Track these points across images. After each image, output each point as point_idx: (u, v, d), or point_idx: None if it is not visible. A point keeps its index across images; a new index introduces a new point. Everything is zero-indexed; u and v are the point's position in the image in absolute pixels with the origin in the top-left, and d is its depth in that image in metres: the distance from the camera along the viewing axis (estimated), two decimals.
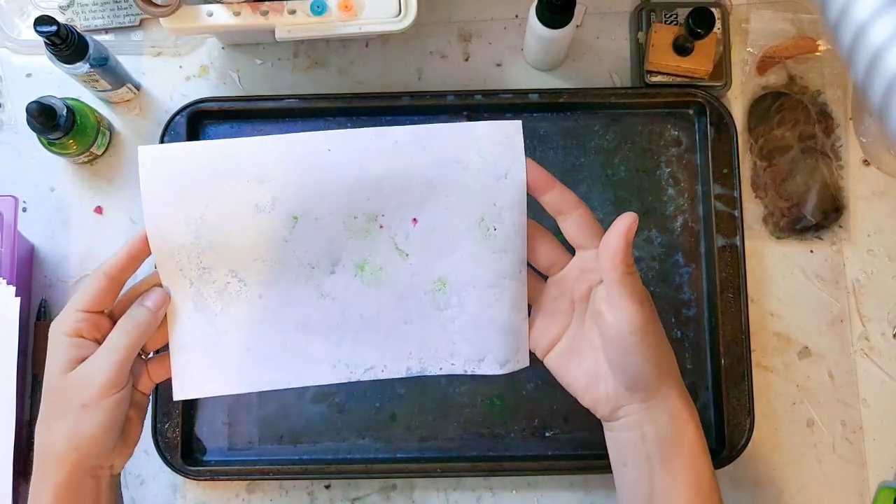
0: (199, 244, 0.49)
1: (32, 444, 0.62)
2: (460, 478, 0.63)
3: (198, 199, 0.48)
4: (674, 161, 0.66)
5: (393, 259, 0.50)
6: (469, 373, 0.51)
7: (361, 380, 0.51)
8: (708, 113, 0.64)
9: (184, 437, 0.62)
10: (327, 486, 0.64)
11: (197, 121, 0.65)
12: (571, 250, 0.50)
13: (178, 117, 0.64)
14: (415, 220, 0.50)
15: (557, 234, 0.50)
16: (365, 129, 0.48)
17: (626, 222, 0.46)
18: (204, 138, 0.66)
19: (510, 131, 0.48)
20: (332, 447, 0.63)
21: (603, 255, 0.46)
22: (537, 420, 0.63)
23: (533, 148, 0.65)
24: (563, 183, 0.49)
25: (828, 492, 0.63)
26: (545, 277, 0.51)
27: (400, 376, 0.51)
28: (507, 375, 0.51)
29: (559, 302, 0.50)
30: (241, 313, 0.50)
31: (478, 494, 0.64)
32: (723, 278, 0.63)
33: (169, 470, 0.62)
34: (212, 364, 0.50)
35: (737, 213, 0.63)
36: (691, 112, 0.66)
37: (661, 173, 0.66)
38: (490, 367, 0.51)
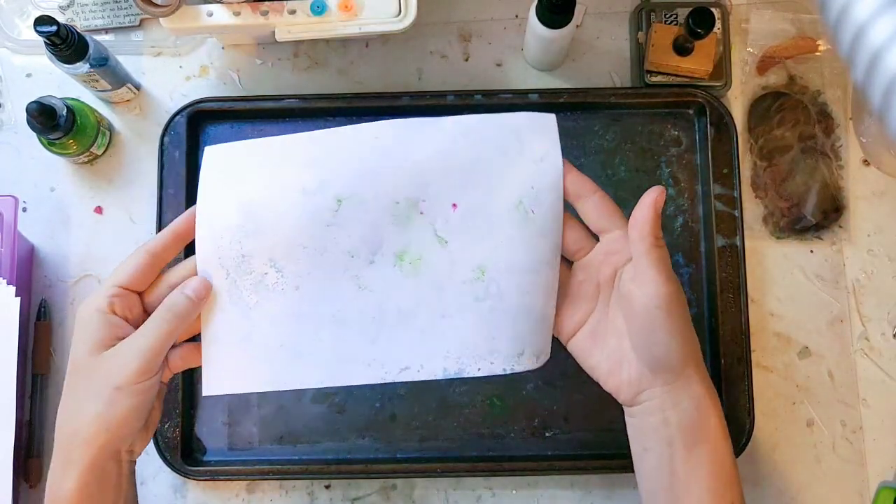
0: (245, 227, 0.49)
1: (33, 444, 0.63)
2: (460, 478, 0.63)
3: (250, 184, 0.50)
4: (674, 161, 0.66)
5: (432, 247, 0.50)
6: (509, 371, 0.50)
7: (396, 381, 0.50)
8: (708, 113, 0.64)
9: (184, 437, 0.62)
10: (327, 486, 0.64)
11: (197, 121, 0.65)
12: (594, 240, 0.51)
13: (178, 117, 0.64)
14: (454, 205, 0.50)
15: None
16: (411, 119, 0.50)
17: (653, 195, 0.47)
18: (204, 138, 0.66)
19: (546, 120, 0.51)
20: (332, 447, 0.63)
21: (632, 228, 0.47)
22: (537, 420, 0.63)
23: None
24: None
25: (828, 492, 0.63)
26: (569, 263, 0.52)
27: (436, 378, 0.50)
28: (507, 375, 0.51)
29: (585, 286, 0.51)
30: (276, 307, 0.49)
31: (478, 494, 0.64)
32: (723, 278, 0.63)
33: (169, 470, 0.62)
34: (244, 360, 0.49)
35: (737, 213, 0.63)
36: (691, 112, 0.66)
37: (661, 173, 0.66)
38: (529, 362, 0.50)
